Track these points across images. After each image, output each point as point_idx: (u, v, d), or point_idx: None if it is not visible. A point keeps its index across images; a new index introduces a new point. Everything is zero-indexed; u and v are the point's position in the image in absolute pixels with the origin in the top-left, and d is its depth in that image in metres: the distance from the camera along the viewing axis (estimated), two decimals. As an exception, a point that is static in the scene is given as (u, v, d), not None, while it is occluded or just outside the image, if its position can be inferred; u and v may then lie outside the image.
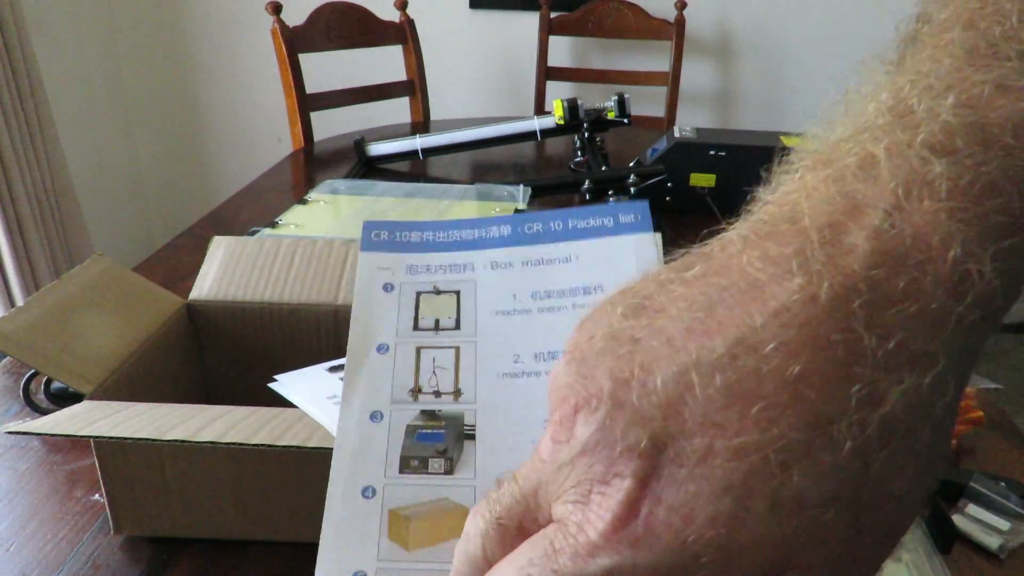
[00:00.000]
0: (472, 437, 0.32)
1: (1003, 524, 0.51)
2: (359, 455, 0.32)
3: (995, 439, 0.62)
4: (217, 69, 2.42)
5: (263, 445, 0.39)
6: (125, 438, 0.39)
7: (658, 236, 0.38)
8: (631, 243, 0.38)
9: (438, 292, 0.37)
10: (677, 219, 1.13)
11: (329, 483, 0.31)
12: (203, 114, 2.49)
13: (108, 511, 0.47)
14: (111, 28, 2.34)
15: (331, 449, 0.39)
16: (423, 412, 0.33)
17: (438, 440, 0.32)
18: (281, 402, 0.44)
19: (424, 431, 0.32)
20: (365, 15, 1.82)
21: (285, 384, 0.46)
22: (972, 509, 0.52)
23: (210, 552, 0.48)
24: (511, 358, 0.35)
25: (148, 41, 2.38)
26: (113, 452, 0.45)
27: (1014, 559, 0.49)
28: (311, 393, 0.44)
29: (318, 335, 0.59)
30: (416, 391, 0.34)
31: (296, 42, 1.66)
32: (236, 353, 0.60)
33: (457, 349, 0.35)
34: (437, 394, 0.34)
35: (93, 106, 2.28)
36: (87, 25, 2.25)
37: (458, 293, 0.37)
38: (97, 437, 0.40)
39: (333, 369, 0.48)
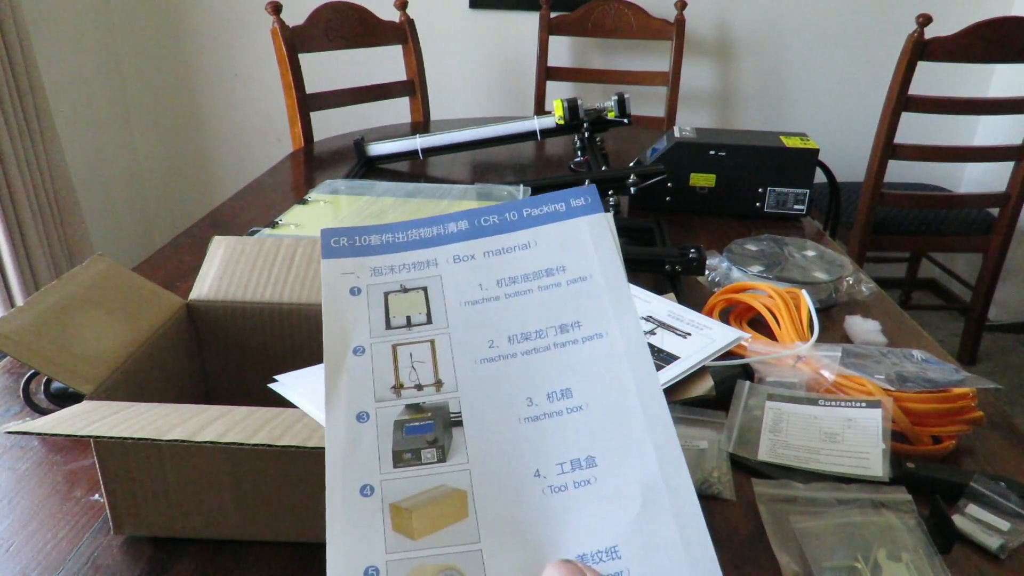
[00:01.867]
0: (459, 423, 0.34)
1: (1003, 524, 0.51)
2: (351, 456, 0.32)
3: (995, 439, 0.62)
4: (217, 69, 2.42)
5: (263, 445, 0.39)
6: (125, 438, 0.39)
7: (609, 216, 0.40)
8: (585, 224, 0.40)
9: (405, 290, 0.38)
10: (677, 219, 1.13)
11: (326, 487, 0.32)
12: (203, 114, 2.49)
13: (108, 511, 0.47)
14: (111, 28, 2.34)
15: (331, 449, 0.39)
16: (408, 406, 0.34)
17: (427, 431, 0.33)
18: (281, 402, 0.44)
19: (412, 424, 0.33)
20: (365, 15, 1.82)
21: (285, 384, 0.46)
22: (972, 509, 0.52)
23: (210, 552, 0.48)
24: (486, 344, 0.36)
25: (148, 41, 2.38)
26: (113, 452, 0.45)
27: (1014, 559, 0.49)
28: (311, 393, 0.44)
29: (318, 335, 0.59)
30: (398, 387, 0.35)
31: (296, 42, 1.66)
32: (236, 353, 0.60)
33: (432, 342, 0.36)
34: (419, 387, 0.35)
35: (93, 106, 2.28)
36: (87, 25, 2.25)
37: (425, 289, 0.38)
38: (97, 437, 0.40)
39: (333, 369, 0.48)
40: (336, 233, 0.40)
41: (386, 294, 0.38)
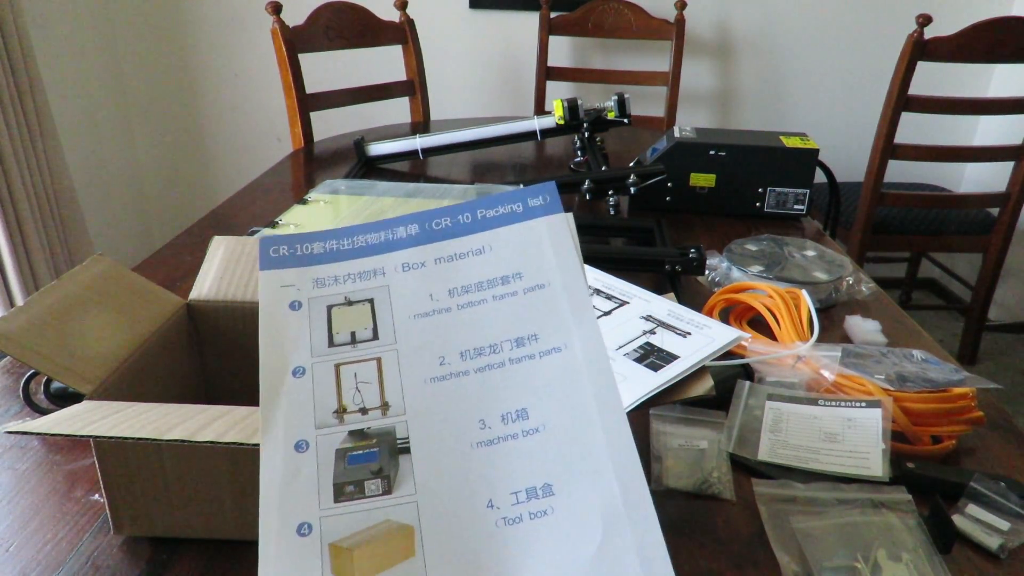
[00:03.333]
0: (407, 450, 0.31)
1: (1003, 524, 0.51)
2: (288, 490, 0.30)
3: (995, 439, 0.62)
4: (217, 69, 2.42)
5: (263, 445, 0.39)
6: (125, 438, 0.39)
7: (570, 216, 0.37)
8: (543, 225, 0.37)
9: (350, 303, 0.35)
10: (677, 219, 1.13)
11: (260, 524, 0.29)
12: (203, 114, 2.49)
13: (108, 511, 0.47)
14: (111, 28, 2.34)
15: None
16: (351, 433, 0.31)
17: (371, 459, 0.31)
18: (281, 402, 0.44)
19: (355, 452, 0.31)
20: (365, 15, 1.82)
21: (285, 384, 0.46)
22: (972, 509, 0.52)
23: (210, 552, 0.48)
24: (436, 361, 0.33)
25: (148, 41, 2.38)
26: (113, 452, 0.45)
27: (1014, 559, 0.49)
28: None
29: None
30: (341, 411, 0.32)
31: (296, 42, 1.67)
32: (236, 353, 0.60)
33: (379, 360, 0.33)
34: (364, 411, 0.32)
35: (93, 106, 2.28)
36: (87, 25, 2.25)
37: (372, 301, 0.35)
38: (97, 437, 0.40)
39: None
40: (276, 241, 0.37)
41: (329, 308, 0.35)
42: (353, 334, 0.34)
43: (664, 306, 0.69)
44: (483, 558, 0.28)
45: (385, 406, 0.32)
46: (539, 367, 0.33)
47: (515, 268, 0.36)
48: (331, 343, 0.34)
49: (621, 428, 0.31)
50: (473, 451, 0.31)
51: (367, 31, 1.83)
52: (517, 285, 0.35)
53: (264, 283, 0.36)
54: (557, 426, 0.31)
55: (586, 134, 1.32)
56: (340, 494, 0.30)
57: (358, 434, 0.31)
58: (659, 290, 0.75)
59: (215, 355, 0.61)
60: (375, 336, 0.34)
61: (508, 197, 0.37)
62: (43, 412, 0.60)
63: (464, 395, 0.32)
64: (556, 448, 0.31)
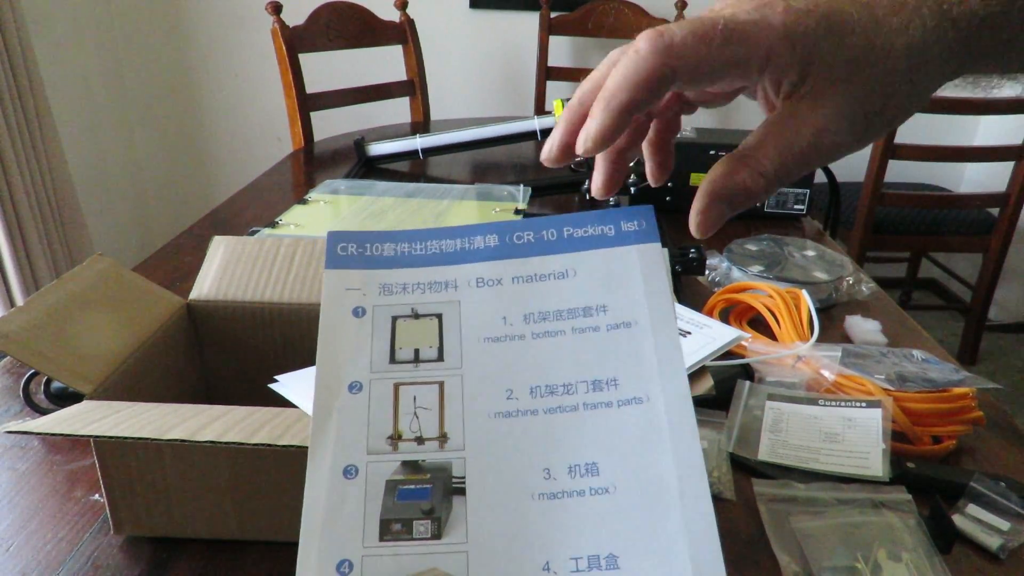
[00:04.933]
0: (462, 491, 0.28)
1: (1003, 524, 0.51)
2: (332, 521, 0.27)
3: (995, 439, 0.62)
4: (217, 69, 2.42)
5: (263, 445, 0.39)
6: (125, 438, 0.39)
7: (666, 252, 0.33)
8: (635, 255, 0.32)
9: (417, 316, 0.32)
10: (677, 219, 1.13)
11: (299, 554, 0.27)
12: (203, 114, 2.49)
13: (108, 511, 0.47)
14: (111, 28, 2.34)
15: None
16: (405, 464, 0.28)
17: (423, 497, 0.28)
18: (281, 402, 0.44)
19: (407, 487, 0.28)
20: (365, 15, 1.82)
21: (285, 384, 0.46)
22: (972, 509, 0.52)
23: (210, 552, 0.48)
24: (503, 394, 0.30)
25: (148, 41, 2.38)
26: (113, 452, 0.45)
27: (1014, 559, 0.49)
28: (311, 393, 0.44)
29: (318, 335, 0.59)
30: (396, 438, 0.29)
31: (296, 42, 1.66)
32: (236, 353, 0.60)
33: (441, 385, 0.30)
34: (420, 440, 0.29)
35: (93, 106, 2.28)
36: (87, 25, 2.25)
37: (440, 317, 0.32)
38: (97, 437, 0.40)
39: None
40: (345, 238, 0.33)
41: (394, 319, 0.32)
42: (416, 352, 0.31)
43: (664, 306, 0.69)
44: None
45: (443, 437, 0.29)
46: (616, 418, 0.29)
47: (600, 300, 0.32)
48: (392, 359, 0.31)
49: (702, 502, 0.27)
50: (533, 503, 0.27)
51: (367, 31, 1.83)
52: (600, 320, 0.31)
53: (328, 283, 0.33)
54: (629, 489, 0.27)
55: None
56: (386, 532, 0.27)
57: (411, 466, 0.28)
58: (659, 290, 0.75)
59: (215, 355, 0.61)
60: (440, 357, 0.31)
61: (599, 217, 0.33)
62: (43, 412, 0.60)
63: (530, 437, 0.29)
64: (626, 514, 0.27)
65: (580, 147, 0.30)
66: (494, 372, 0.30)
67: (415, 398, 0.30)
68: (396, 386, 0.30)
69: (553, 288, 0.32)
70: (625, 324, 0.31)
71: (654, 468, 0.28)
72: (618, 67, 0.29)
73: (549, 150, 0.31)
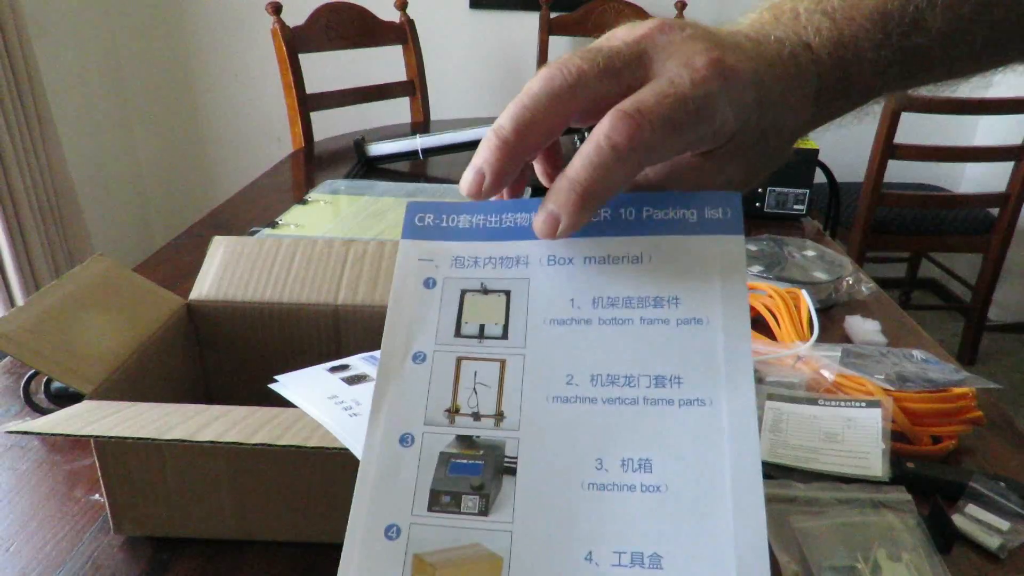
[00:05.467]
0: (512, 471, 0.28)
1: (1003, 524, 0.51)
2: (384, 486, 0.28)
3: (995, 439, 0.62)
4: (217, 69, 2.42)
5: (263, 445, 0.39)
6: (125, 438, 0.39)
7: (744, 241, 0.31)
8: (716, 246, 0.30)
9: (486, 291, 0.31)
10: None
11: (350, 517, 0.27)
12: (203, 114, 2.49)
13: (108, 511, 0.47)
14: (111, 28, 2.34)
15: (331, 449, 0.39)
16: (459, 438, 0.29)
17: (475, 472, 0.28)
18: (281, 402, 0.44)
19: (459, 461, 0.28)
20: (365, 15, 1.82)
21: (285, 384, 0.46)
22: (972, 509, 0.52)
23: (210, 552, 0.48)
24: (564, 379, 0.29)
25: (148, 41, 2.38)
26: (113, 452, 0.45)
27: (1014, 559, 0.49)
28: (311, 393, 0.44)
29: (318, 335, 0.59)
30: (454, 411, 0.29)
31: (296, 42, 1.66)
32: (236, 353, 0.60)
33: (503, 363, 0.30)
34: (476, 416, 0.29)
35: (93, 106, 2.28)
36: (87, 25, 2.25)
37: (508, 294, 0.31)
38: (97, 437, 0.40)
39: (333, 369, 0.48)
40: (423, 208, 0.33)
41: (463, 292, 0.31)
42: (482, 327, 0.31)
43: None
44: None
45: (500, 416, 0.29)
46: (676, 417, 0.28)
47: (673, 291, 0.30)
48: (458, 332, 0.31)
49: (756, 509, 0.26)
50: (583, 492, 0.27)
51: (367, 31, 1.83)
52: (671, 313, 0.30)
53: (403, 253, 0.32)
54: (681, 491, 0.27)
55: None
56: (435, 503, 0.27)
57: (466, 440, 0.28)
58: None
59: (215, 355, 0.61)
60: (504, 335, 0.30)
61: (683, 200, 0.31)
62: (43, 412, 0.60)
63: (585, 425, 0.28)
64: (675, 516, 0.26)
65: (544, 233, 0.29)
66: (557, 355, 0.30)
67: (476, 374, 0.30)
68: (459, 360, 0.30)
69: (626, 272, 0.31)
70: (696, 320, 0.29)
71: (709, 473, 0.27)
72: (593, 160, 0.28)
73: (476, 183, 0.30)
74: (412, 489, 0.28)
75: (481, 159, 0.30)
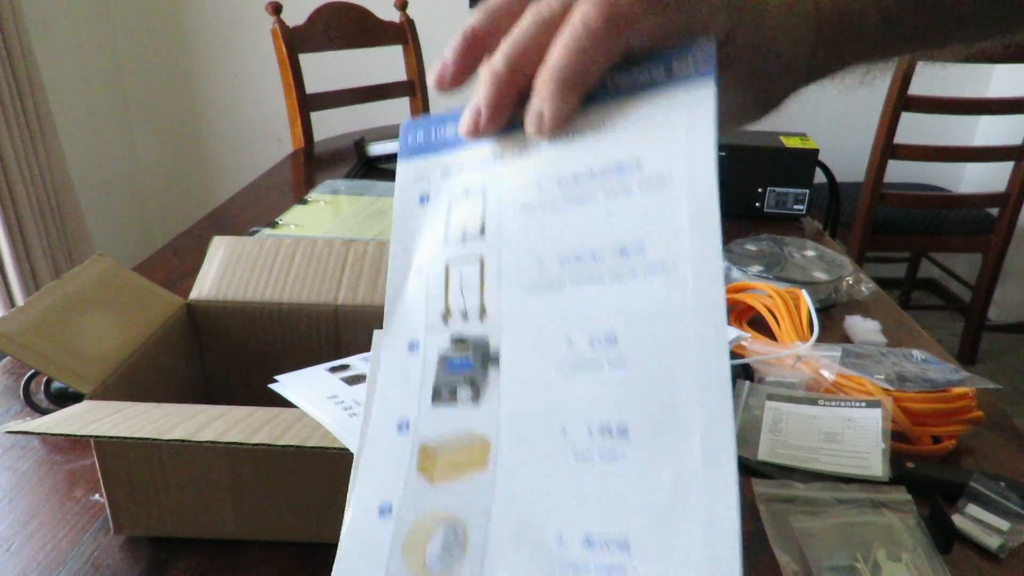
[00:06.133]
0: (496, 362, 0.29)
1: (1003, 524, 0.51)
2: (398, 388, 0.31)
3: (995, 439, 0.62)
4: (217, 69, 2.42)
5: (263, 445, 0.39)
6: (125, 438, 0.39)
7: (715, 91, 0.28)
8: (684, 98, 0.28)
9: (467, 195, 0.32)
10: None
11: (364, 413, 0.30)
12: (203, 114, 2.49)
13: (108, 511, 0.47)
14: (111, 28, 2.34)
15: (331, 449, 0.39)
16: (454, 340, 0.30)
17: (467, 368, 0.30)
18: (281, 402, 0.44)
19: (453, 359, 0.30)
20: (365, 15, 1.82)
21: (285, 384, 0.46)
22: (972, 509, 0.52)
23: (210, 552, 0.48)
24: (535, 266, 0.29)
25: (148, 41, 2.38)
26: (113, 452, 0.45)
27: (1014, 559, 0.49)
28: (311, 393, 0.44)
29: (318, 335, 0.59)
30: (447, 314, 0.31)
31: (296, 42, 1.66)
32: (236, 353, 0.60)
33: (482, 260, 0.31)
34: (464, 315, 0.30)
35: (93, 106, 2.28)
36: (87, 25, 2.25)
37: (484, 192, 0.31)
38: (97, 437, 0.40)
39: (333, 369, 0.48)
40: (415, 125, 0.33)
41: (450, 200, 0.32)
42: (464, 231, 0.31)
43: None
44: (547, 487, 0.27)
45: (483, 312, 0.30)
46: (638, 287, 0.27)
47: (634, 153, 0.28)
48: (445, 240, 0.32)
49: (720, 381, 0.25)
50: (556, 373, 0.28)
51: (367, 31, 1.83)
52: (632, 177, 0.28)
53: (400, 174, 0.33)
54: (645, 363, 0.26)
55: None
56: (437, 398, 0.30)
57: (458, 341, 0.31)
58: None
59: (215, 355, 0.61)
60: (482, 232, 0.31)
61: (650, 58, 0.29)
62: (43, 412, 0.60)
63: (557, 307, 0.28)
64: (640, 388, 0.26)
65: (535, 132, 0.29)
66: (526, 243, 0.30)
67: (460, 275, 0.31)
68: (447, 265, 0.32)
69: (589, 143, 0.29)
70: (659, 181, 0.28)
71: (672, 343, 0.26)
72: (567, 43, 0.27)
73: (473, 122, 0.30)
74: (419, 388, 0.30)
75: (477, 98, 0.30)
